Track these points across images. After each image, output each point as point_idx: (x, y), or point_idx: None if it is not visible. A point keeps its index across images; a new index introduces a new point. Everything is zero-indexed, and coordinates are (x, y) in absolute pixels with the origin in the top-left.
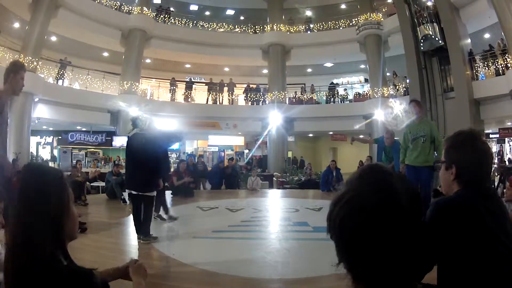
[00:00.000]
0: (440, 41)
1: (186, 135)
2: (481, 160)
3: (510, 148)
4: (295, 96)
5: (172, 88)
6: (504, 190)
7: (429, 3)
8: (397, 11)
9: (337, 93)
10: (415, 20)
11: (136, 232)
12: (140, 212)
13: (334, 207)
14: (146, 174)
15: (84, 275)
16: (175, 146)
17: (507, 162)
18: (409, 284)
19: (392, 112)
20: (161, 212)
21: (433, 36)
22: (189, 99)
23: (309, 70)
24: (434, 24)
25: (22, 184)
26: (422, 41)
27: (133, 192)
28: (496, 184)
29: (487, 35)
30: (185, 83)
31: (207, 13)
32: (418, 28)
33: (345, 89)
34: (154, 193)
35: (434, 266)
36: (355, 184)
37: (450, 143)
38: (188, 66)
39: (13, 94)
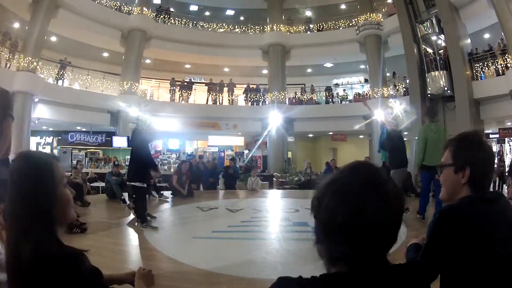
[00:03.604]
0: (448, 91)
1: (186, 135)
2: (490, 163)
3: (510, 148)
4: (295, 96)
5: (172, 88)
6: (506, 189)
7: (440, 41)
8: (397, 11)
9: (337, 94)
10: (424, 64)
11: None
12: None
13: (324, 188)
14: (134, 168)
15: (71, 256)
16: (175, 146)
17: (507, 164)
18: (384, 265)
19: (392, 112)
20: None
21: (441, 85)
22: (183, 100)
23: (309, 70)
24: (444, 71)
25: (9, 174)
26: (430, 89)
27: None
28: (497, 185)
29: (487, 35)
30: (185, 83)
31: (207, 13)
32: (426, 75)
33: (344, 90)
34: (142, 185)
35: (439, 274)
36: (347, 171)
37: (460, 144)
38: (188, 66)
39: None
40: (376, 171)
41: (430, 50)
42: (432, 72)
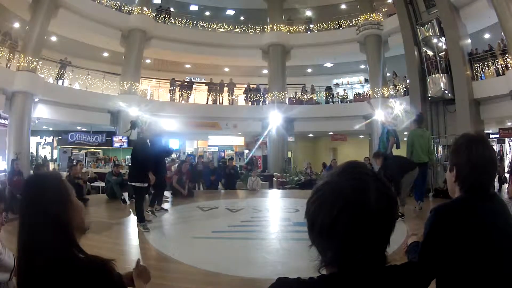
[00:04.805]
0: (449, 94)
1: (186, 135)
2: (479, 166)
3: (510, 148)
4: (295, 96)
5: (172, 88)
6: (506, 189)
7: (441, 44)
8: (397, 12)
9: (337, 94)
10: (425, 66)
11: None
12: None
13: (314, 194)
14: (133, 169)
15: (100, 264)
16: (176, 146)
17: (506, 165)
18: (379, 267)
19: (392, 112)
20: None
21: (442, 88)
22: (183, 100)
23: (309, 70)
24: (445, 75)
25: (24, 193)
26: (430, 91)
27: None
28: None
29: (487, 35)
30: (185, 83)
31: (207, 13)
32: (427, 77)
33: (344, 90)
34: (142, 185)
35: (438, 272)
36: (336, 176)
37: (453, 145)
38: (188, 66)
39: None
40: (366, 175)
41: (430, 53)
42: (433, 75)
